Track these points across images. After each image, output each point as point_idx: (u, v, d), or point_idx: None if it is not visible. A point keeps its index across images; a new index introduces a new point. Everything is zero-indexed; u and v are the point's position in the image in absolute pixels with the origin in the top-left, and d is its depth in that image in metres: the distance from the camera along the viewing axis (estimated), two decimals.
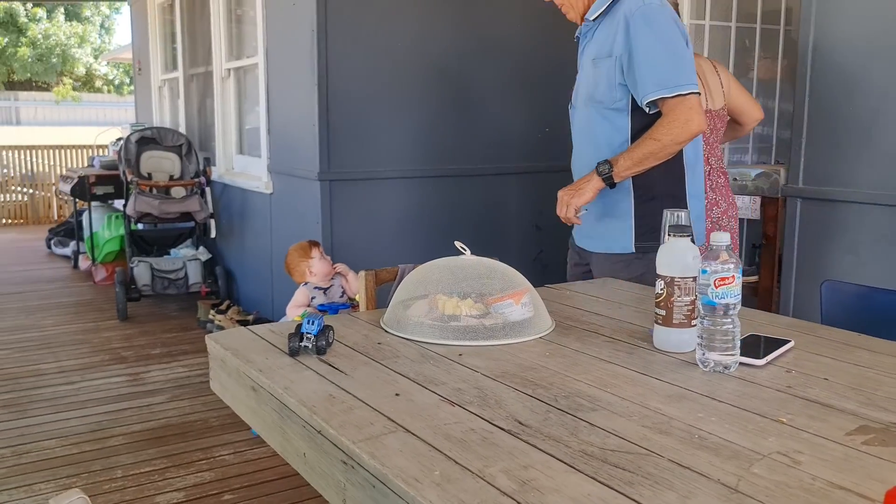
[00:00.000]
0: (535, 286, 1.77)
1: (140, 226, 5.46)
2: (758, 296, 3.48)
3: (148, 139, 5.24)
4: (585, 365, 1.46)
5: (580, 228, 2.44)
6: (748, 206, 3.47)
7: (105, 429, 3.23)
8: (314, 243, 3.21)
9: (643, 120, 2.15)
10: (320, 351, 1.50)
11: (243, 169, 5.04)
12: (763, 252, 3.46)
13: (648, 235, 2.23)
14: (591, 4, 2.23)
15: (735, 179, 3.50)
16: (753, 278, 3.54)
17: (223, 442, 3.09)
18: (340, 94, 3.75)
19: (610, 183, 2.17)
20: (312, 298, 3.19)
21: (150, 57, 6.80)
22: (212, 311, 4.75)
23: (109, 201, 6.63)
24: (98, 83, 22.47)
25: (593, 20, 2.23)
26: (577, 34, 2.38)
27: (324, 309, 3.18)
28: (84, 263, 6.59)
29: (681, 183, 2.27)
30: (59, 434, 3.16)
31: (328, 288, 3.22)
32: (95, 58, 22.35)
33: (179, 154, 5.26)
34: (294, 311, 3.15)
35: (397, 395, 1.29)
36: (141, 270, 4.96)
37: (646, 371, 1.41)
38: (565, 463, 1.02)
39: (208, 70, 5.45)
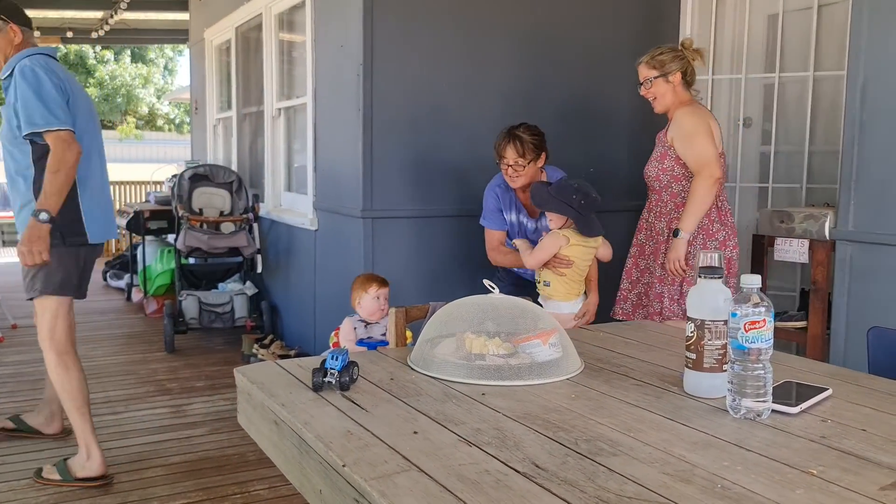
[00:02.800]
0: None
1: (191, 260, 5.58)
2: (807, 343, 3.37)
3: (201, 176, 5.38)
4: (611, 408, 1.42)
5: None
6: (796, 250, 3.38)
7: (144, 459, 3.26)
8: (381, 282, 3.22)
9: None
10: (343, 387, 1.50)
11: (290, 206, 5.14)
12: (812, 297, 3.35)
13: None
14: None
15: (782, 222, 3.42)
16: (802, 324, 3.43)
17: (259, 476, 3.10)
18: (384, 132, 3.81)
19: None
20: (354, 329, 3.20)
21: (206, 97, 7.03)
22: (256, 346, 4.80)
23: (163, 236, 6.81)
24: (160, 122, 23.33)
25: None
26: None
27: (362, 344, 3.18)
28: (137, 296, 6.76)
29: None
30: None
31: (373, 324, 3.23)
32: (158, 98, 23.24)
33: (230, 190, 5.39)
34: (345, 343, 3.17)
35: (415, 433, 1.28)
36: (189, 304, 5.06)
37: (673, 416, 1.37)
38: None
39: (260, 109, 5.60)
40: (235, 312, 5.14)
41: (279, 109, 5.26)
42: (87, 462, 2.99)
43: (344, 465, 1.14)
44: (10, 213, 3.36)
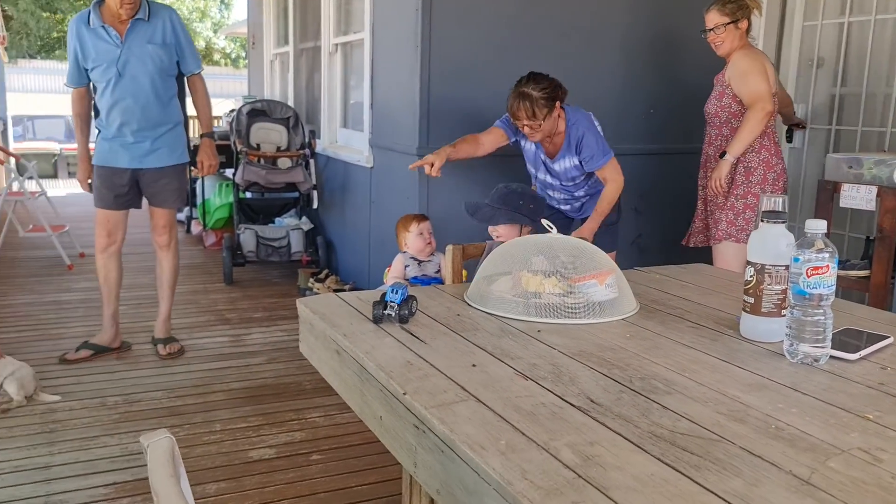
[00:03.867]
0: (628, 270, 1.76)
1: (248, 194, 5.69)
2: (869, 291, 3.30)
3: (258, 111, 5.44)
4: (666, 349, 1.44)
5: None
6: (863, 197, 3.28)
7: (207, 384, 3.42)
8: (420, 218, 3.27)
9: None
10: (402, 319, 1.54)
11: (346, 142, 5.17)
12: (877, 245, 3.27)
13: None
14: None
15: (850, 167, 3.32)
16: (865, 272, 3.36)
17: (314, 405, 3.22)
18: (442, 70, 3.78)
19: None
20: (406, 267, 3.25)
21: (263, 32, 7.04)
22: (311, 280, 4.91)
23: (221, 170, 6.94)
24: (216, 56, 23.46)
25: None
26: None
27: (416, 281, 3.24)
28: (196, 228, 6.94)
29: None
30: (166, 387, 3.37)
31: (425, 261, 3.28)
32: (214, 32, 23.34)
33: (287, 126, 5.44)
34: (391, 280, 3.23)
35: (473, 365, 1.32)
36: (247, 237, 5.18)
37: (728, 359, 1.38)
38: (632, 442, 1.02)
39: (317, 45, 5.60)
40: (291, 247, 5.25)
41: (336, 45, 5.24)
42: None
43: (405, 394, 1.18)
44: (74, 145, 3.66)
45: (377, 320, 1.54)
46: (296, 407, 3.20)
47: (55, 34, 20.19)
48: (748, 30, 3.36)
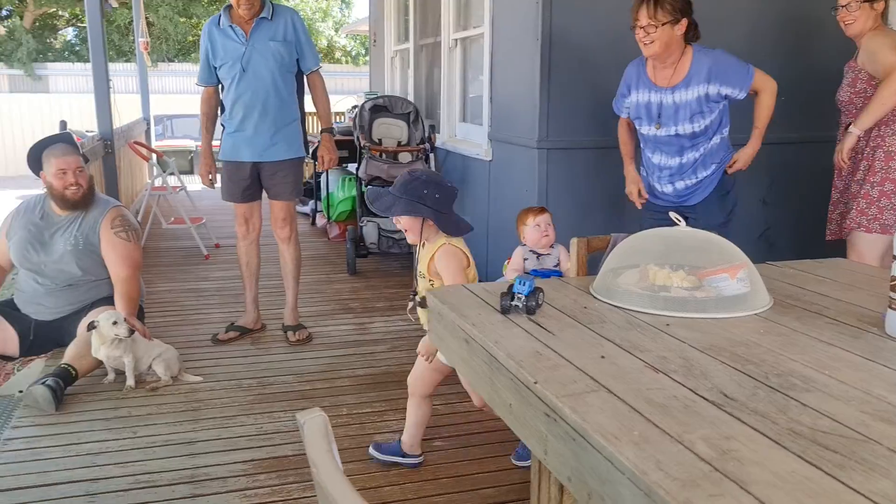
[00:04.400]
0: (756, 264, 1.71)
1: (370, 188, 5.86)
2: None
3: (380, 107, 5.60)
4: (803, 345, 1.40)
5: None
6: None
7: (334, 370, 3.57)
8: (538, 211, 3.28)
9: None
10: (530, 311, 1.57)
11: (465, 136, 5.24)
12: None
13: None
14: None
15: None
16: None
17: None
18: (562, 62, 3.77)
19: None
20: (525, 260, 3.27)
21: (384, 29, 7.22)
22: None
23: (344, 164, 7.18)
24: (337, 54, 24.20)
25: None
26: None
27: (535, 273, 3.25)
28: (320, 221, 7.22)
29: None
30: (296, 371, 3.55)
31: (544, 255, 3.29)
32: (336, 31, 24.07)
33: (407, 121, 5.57)
34: (510, 273, 3.26)
35: (602, 357, 1.33)
36: (369, 229, 5.35)
37: (873, 357, 1.33)
38: (770, 438, 1.00)
39: (437, 41, 5.69)
40: None
41: (455, 40, 5.31)
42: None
43: (536, 383, 1.21)
44: (213, 143, 3.91)
45: (505, 311, 1.58)
46: None
47: (190, 38, 21.43)
48: (884, 13, 3.20)
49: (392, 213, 2.42)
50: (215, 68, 3.76)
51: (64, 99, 16.93)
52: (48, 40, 21.69)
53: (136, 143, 6.99)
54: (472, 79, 5.28)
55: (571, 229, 3.21)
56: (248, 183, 3.85)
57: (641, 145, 3.24)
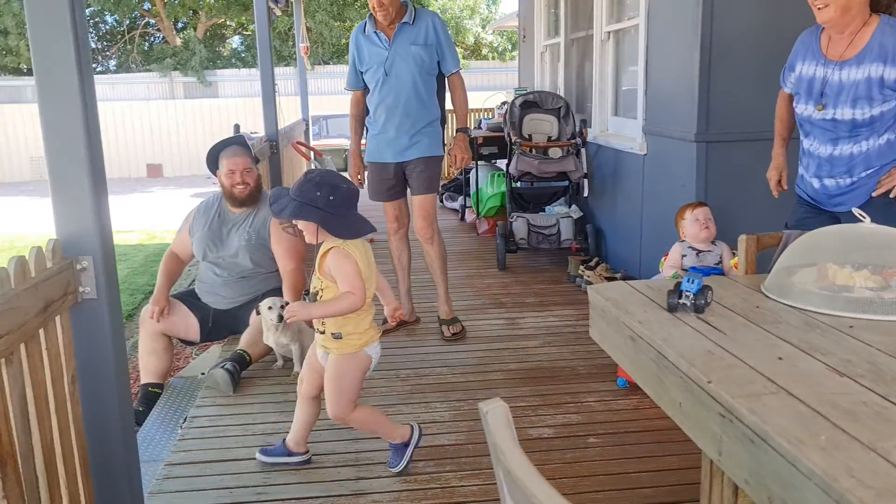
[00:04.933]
0: None
1: (519, 183, 5.89)
2: None
3: (530, 102, 5.61)
4: None
5: None
6: None
7: (486, 364, 3.63)
8: (697, 204, 3.19)
9: None
10: (698, 309, 1.53)
11: (617, 130, 5.15)
12: None
13: None
14: None
15: None
16: None
17: (589, 389, 3.28)
18: (723, 52, 3.62)
19: None
20: (683, 256, 3.19)
21: (534, 24, 7.21)
22: (581, 267, 4.97)
23: (493, 160, 7.25)
24: (484, 51, 24.40)
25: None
26: None
27: (694, 271, 3.16)
28: (469, 216, 7.34)
29: None
30: (450, 364, 3.64)
31: (704, 251, 3.19)
32: (483, 27, 24.28)
33: (558, 116, 5.54)
34: (667, 270, 3.19)
35: (780, 358, 1.28)
36: (519, 225, 5.38)
37: None
38: None
39: (588, 34, 5.62)
40: (561, 234, 5.35)
41: (608, 32, 5.23)
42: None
43: (709, 382, 1.19)
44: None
45: (672, 309, 1.55)
46: (571, 390, 3.28)
47: (344, 41, 22.34)
48: None
49: (281, 217, 2.39)
50: (361, 73, 3.92)
51: (231, 103, 18.18)
52: (217, 49, 23.33)
53: (298, 143, 7.39)
54: (625, 71, 5.18)
55: (733, 226, 3.09)
56: (393, 182, 3.99)
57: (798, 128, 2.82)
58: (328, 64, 20.64)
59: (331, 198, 2.32)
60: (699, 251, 3.21)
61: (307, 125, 10.04)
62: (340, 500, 2.48)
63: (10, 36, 19.47)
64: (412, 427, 2.68)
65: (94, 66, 19.33)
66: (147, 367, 3.63)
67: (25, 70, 20.83)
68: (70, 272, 1.83)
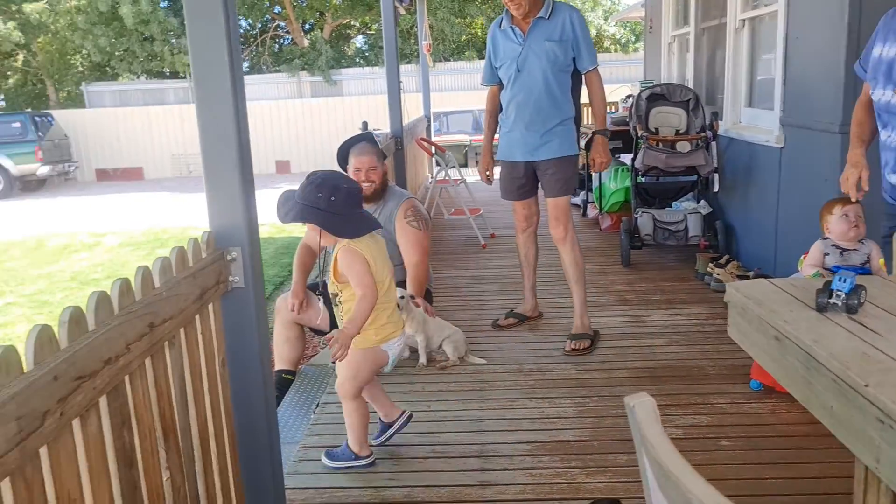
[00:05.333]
0: None
1: (644, 178, 5.76)
2: None
3: (657, 95, 5.46)
4: None
5: None
6: None
7: (611, 361, 3.58)
8: (846, 202, 3.01)
9: None
10: (851, 309, 1.46)
11: (751, 122, 4.93)
12: None
13: None
14: None
15: None
16: None
17: (719, 391, 3.17)
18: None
19: None
20: (826, 255, 3.02)
21: (661, 15, 7.02)
22: (710, 265, 4.81)
23: (616, 155, 7.11)
24: (606, 43, 23.93)
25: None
26: None
27: (837, 270, 2.99)
28: (592, 212, 7.23)
29: None
30: (574, 360, 3.61)
31: (849, 250, 3.01)
32: (605, 19, 23.83)
33: (686, 109, 5.37)
34: (808, 269, 3.03)
35: None
36: (644, 221, 5.26)
37: None
38: None
39: (721, 23, 5.41)
40: (689, 231, 5.19)
41: (743, 20, 5.02)
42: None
43: (866, 385, 1.14)
44: (482, 137, 4.11)
45: (821, 309, 1.49)
46: (700, 391, 3.19)
47: (464, 37, 22.53)
48: None
49: (286, 220, 2.43)
50: (496, 68, 3.88)
51: (354, 100, 18.72)
52: (342, 48, 24.07)
53: (422, 139, 7.52)
54: (760, 61, 4.95)
55: (876, 224, 2.90)
56: (523, 182, 3.93)
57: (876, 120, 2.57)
58: (448, 61, 20.87)
59: (332, 199, 2.38)
60: (843, 250, 3.03)
61: (429, 121, 10.20)
62: (466, 491, 2.52)
63: (155, 42, 20.84)
64: (371, 454, 2.73)
65: None
66: (281, 354, 3.81)
67: (168, 74, 22.27)
68: (222, 262, 1.96)
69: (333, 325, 4.00)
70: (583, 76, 3.83)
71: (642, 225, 5.27)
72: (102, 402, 1.37)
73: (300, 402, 3.71)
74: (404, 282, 3.84)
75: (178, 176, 18.75)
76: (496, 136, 4.09)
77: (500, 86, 3.92)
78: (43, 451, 1.18)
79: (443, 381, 3.44)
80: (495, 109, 4.02)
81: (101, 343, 1.35)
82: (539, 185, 3.96)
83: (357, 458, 2.71)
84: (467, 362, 3.63)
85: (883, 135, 2.51)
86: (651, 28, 7.58)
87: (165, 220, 11.74)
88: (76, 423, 1.28)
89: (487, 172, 4.08)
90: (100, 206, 14.07)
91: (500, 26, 3.84)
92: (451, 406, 3.17)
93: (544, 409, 3.09)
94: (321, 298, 3.98)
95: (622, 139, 6.62)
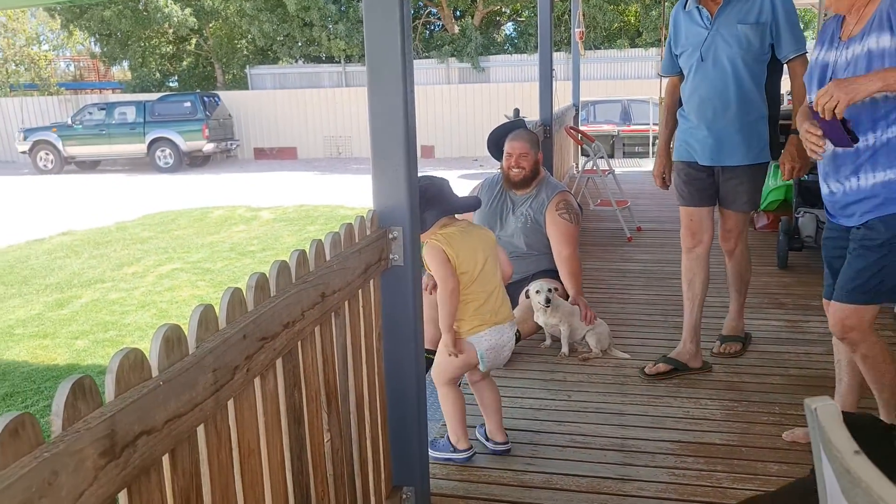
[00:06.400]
0: None
1: (807, 177, 5.42)
2: None
3: None
4: None
5: None
6: None
7: (764, 366, 3.42)
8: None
9: None
10: None
11: None
12: None
13: None
14: None
15: None
16: None
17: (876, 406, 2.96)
18: None
19: None
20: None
21: None
22: None
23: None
24: None
25: None
26: None
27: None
28: None
29: None
30: (724, 362, 3.48)
31: None
32: None
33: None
34: None
35: None
36: (806, 221, 4.97)
37: None
38: None
39: None
40: None
41: None
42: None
43: None
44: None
45: None
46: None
47: (616, 25, 22.01)
48: None
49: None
50: (676, 56, 3.34)
51: (501, 88, 18.77)
52: (492, 35, 24.17)
53: (571, 128, 7.45)
54: None
55: None
56: (705, 185, 3.31)
57: None
58: (598, 49, 20.47)
59: (428, 193, 2.47)
60: None
61: (577, 110, 10.08)
62: (606, 483, 2.50)
63: (314, 28, 21.78)
64: (471, 448, 2.69)
65: None
66: (424, 333, 3.92)
67: (324, 58, 23.23)
68: (384, 240, 2.04)
69: None
70: (786, 65, 3.16)
71: (804, 226, 4.98)
72: (279, 363, 1.48)
73: None
74: (550, 270, 3.84)
75: (328, 157, 19.58)
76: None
77: (681, 76, 3.36)
78: (230, 403, 1.29)
79: (584, 372, 3.42)
80: (674, 104, 3.44)
81: (282, 308, 1.45)
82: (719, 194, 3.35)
83: (454, 450, 2.69)
84: (610, 355, 3.58)
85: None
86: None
87: (314, 198, 12.31)
88: (257, 381, 1.39)
89: (663, 175, 3.48)
90: (257, 183, 14.95)
91: (684, 7, 3.24)
92: (591, 398, 3.15)
93: (689, 410, 3.01)
94: None
95: (786, 133, 6.25)
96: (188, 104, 17.55)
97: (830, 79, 2.24)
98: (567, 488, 2.48)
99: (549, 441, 2.79)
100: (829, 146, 2.27)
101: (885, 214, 2.21)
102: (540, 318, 3.61)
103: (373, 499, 2.08)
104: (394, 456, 2.24)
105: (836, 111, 2.07)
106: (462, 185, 13.00)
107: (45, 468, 0.83)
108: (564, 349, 3.59)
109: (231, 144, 18.84)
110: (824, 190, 2.42)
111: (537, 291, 3.55)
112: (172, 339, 1.11)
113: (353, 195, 12.32)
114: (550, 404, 3.11)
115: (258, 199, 12.52)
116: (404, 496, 2.25)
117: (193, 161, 18.11)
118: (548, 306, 3.52)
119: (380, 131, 2.02)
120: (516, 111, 6.71)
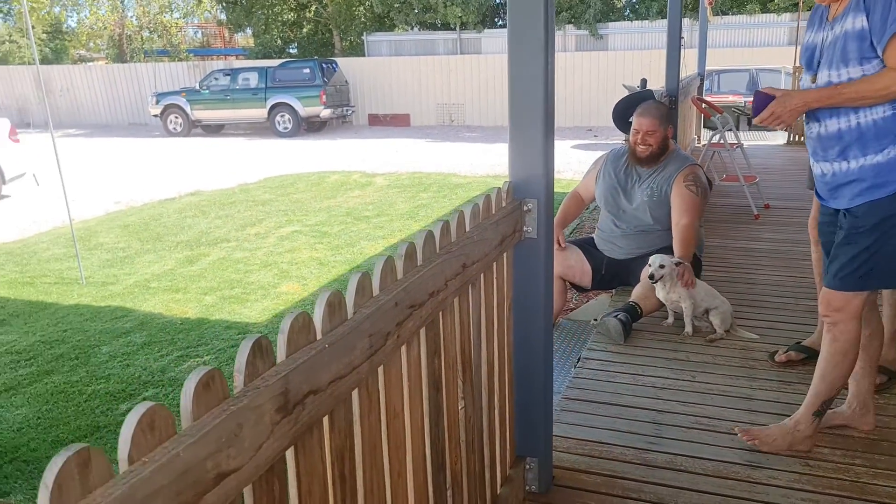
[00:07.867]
0: None
1: None
2: None
3: None
4: None
5: None
6: None
7: None
8: None
9: None
10: None
11: None
12: None
13: None
14: None
15: None
16: None
17: None
18: None
19: None
20: None
21: None
22: None
23: None
24: None
25: None
26: None
27: None
28: None
29: None
30: None
31: None
32: None
33: None
34: None
35: None
36: None
37: None
38: None
39: None
40: None
41: None
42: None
43: None
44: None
45: None
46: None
47: None
48: None
49: None
50: None
51: (619, 55, 18.23)
52: (612, 1, 23.44)
53: (698, 98, 7.16)
54: None
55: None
56: None
57: None
58: (726, 14, 19.49)
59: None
60: None
61: (701, 80, 9.67)
62: (733, 468, 2.43)
63: None
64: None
65: (496, 20, 20.66)
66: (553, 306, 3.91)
67: (440, 25, 23.22)
68: (519, 212, 2.04)
69: (595, 281, 4.03)
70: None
71: None
72: (423, 331, 1.51)
73: (558, 354, 3.80)
74: (668, 247, 3.73)
75: (441, 124, 19.67)
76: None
77: None
78: (380, 369, 1.33)
79: (708, 353, 3.32)
80: None
81: (429, 277, 1.47)
82: None
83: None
84: (734, 336, 3.46)
85: (805, 129, 2.36)
86: None
87: (426, 166, 12.42)
88: (403, 348, 1.42)
89: None
90: (371, 149, 15.22)
91: None
92: (717, 380, 3.06)
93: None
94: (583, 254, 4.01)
95: None
96: (307, 70, 17.98)
97: (819, 59, 2.25)
98: (691, 470, 2.43)
99: (672, 421, 2.74)
100: (814, 128, 2.29)
101: (873, 199, 2.16)
102: (661, 294, 3.53)
103: (498, 467, 2.10)
104: (518, 426, 2.25)
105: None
106: (577, 156, 12.79)
107: (232, 421, 0.88)
108: (688, 328, 3.49)
109: (347, 110, 19.22)
110: (815, 171, 2.38)
111: (649, 265, 3.46)
112: (335, 303, 1.15)
113: (464, 164, 12.35)
114: (674, 384, 3.04)
115: (372, 165, 12.75)
116: (528, 466, 2.26)
117: (311, 126, 18.61)
118: (654, 282, 3.43)
119: (519, 103, 2.00)
120: (643, 81, 6.48)
